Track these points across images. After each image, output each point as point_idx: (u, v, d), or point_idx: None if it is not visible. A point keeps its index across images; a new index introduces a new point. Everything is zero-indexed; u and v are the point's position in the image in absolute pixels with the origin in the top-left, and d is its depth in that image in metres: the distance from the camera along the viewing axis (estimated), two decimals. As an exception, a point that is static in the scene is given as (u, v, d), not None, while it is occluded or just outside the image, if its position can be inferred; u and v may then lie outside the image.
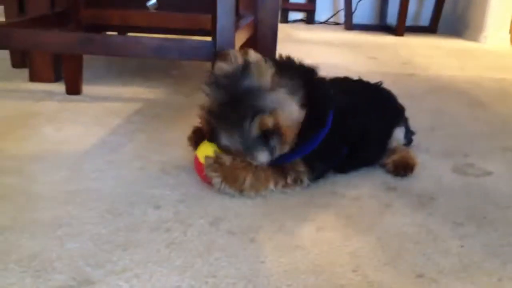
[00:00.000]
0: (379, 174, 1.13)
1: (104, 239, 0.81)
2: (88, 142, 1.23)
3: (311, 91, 0.94)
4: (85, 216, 0.88)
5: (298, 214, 0.93)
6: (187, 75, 2.03)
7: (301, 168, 0.99)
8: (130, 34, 2.15)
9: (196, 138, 1.04)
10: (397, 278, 0.75)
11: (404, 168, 1.11)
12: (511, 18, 3.42)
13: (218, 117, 0.93)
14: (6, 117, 1.38)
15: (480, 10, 3.49)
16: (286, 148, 0.94)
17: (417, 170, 1.13)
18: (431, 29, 3.89)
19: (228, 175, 0.95)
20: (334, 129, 0.99)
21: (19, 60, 1.93)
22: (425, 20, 3.98)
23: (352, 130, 1.05)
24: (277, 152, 0.94)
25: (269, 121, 0.89)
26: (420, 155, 1.21)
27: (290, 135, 0.92)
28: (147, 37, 1.24)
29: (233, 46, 1.21)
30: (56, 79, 1.76)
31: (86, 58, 1.77)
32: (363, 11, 3.99)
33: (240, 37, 1.40)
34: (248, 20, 1.62)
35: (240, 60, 0.92)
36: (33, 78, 1.76)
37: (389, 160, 1.14)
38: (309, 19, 4.08)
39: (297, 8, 4.10)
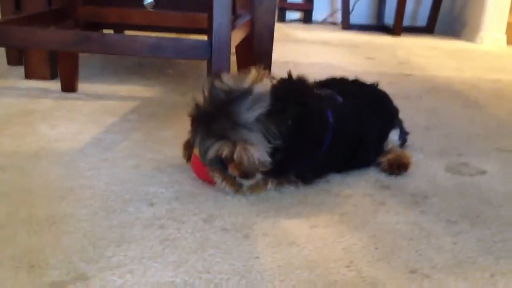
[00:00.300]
0: (373, 173, 1.14)
1: (98, 236, 0.81)
2: (83, 140, 1.23)
3: (308, 120, 0.96)
4: (80, 213, 0.88)
5: (292, 212, 0.93)
6: (183, 74, 2.03)
7: (292, 178, 1.02)
8: (127, 32, 2.16)
9: (189, 153, 1.06)
10: (390, 273, 0.75)
11: (398, 167, 1.11)
12: (507, 19, 3.44)
13: (196, 123, 0.94)
14: (1, 115, 1.38)
15: (476, 11, 3.51)
16: (254, 179, 0.95)
17: (411, 169, 1.14)
18: (428, 29, 3.90)
19: (229, 177, 0.96)
20: (331, 148, 1.02)
21: (15, 57, 1.93)
22: (422, 20, 3.99)
23: (348, 135, 1.06)
24: (243, 181, 0.95)
25: (225, 150, 0.90)
26: (414, 155, 1.21)
27: (244, 172, 0.92)
28: (144, 36, 1.25)
29: (229, 45, 1.21)
30: (52, 77, 1.76)
31: (82, 55, 1.78)
32: (361, 11, 4.00)
33: (237, 37, 1.41)
34: (244, 19, 1.62)
35: (246, 84, 0.91)
36: (29, 75, 1.76)
37: (384, 159, 1.14)
38: (307, 19, 4.09)
39: (295, 7, 4.11)
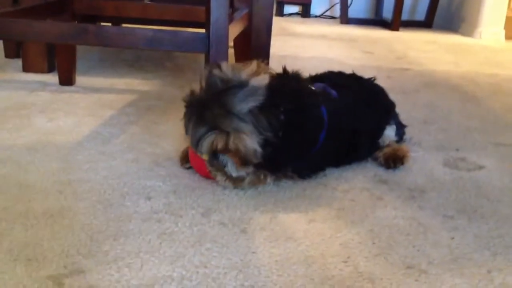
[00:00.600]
0: (370, 167, 1.14)
1: (96, 229, 0.81)
2: (80, 133, 1.22)
3: (302, 116, 0.96)
4: (77, 207, 0.88)
5: (290, 206, 0.93)
6: (181, 67, 2.02)
7: (290, 173, 1.02)
8: (124, 25, 2.15)
9: (187, 159, 1.06)
10: (387, 269, 0.75)
11: (394, 161, 1.12)
12: (506, 13, 3.43)
13: (190, 110, 0.94)
14: (-2, 108, 1.37)
15: (475, 6, 3.50)
16: (245, 169, 0.95)
17: (409, 163, 1.14)
18: (426, 23, 3.89)
19: (219, 166, 0.96)
20: (326, 143, 1.02)
21: (13, 50, 1.92)
22: (420, 14, 3.98)
23: (343, 130, 1.06)
24: (232, 169, 0.95)
25: (220, 143, 0.90)
26: (412, 149, 1.21)
27: (238, 161, 0.93)
28: (141, 28, 1.24)
29: (226, 38, 1.21)
30: (49, 70, 1.75)
31: (79, 49, 1.77)
32: (359, 5, 3.99)
33: (234, 30, 1.40)
34: (242, 12, 1.61)
35: (243, 76, 0.92)
36: (26, 68, 1.75)
37: (381, 153, 1.14)
38: (305, 13, 4.07)
39: (293, 1, 4.09)
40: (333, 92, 1.08)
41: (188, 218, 0.87)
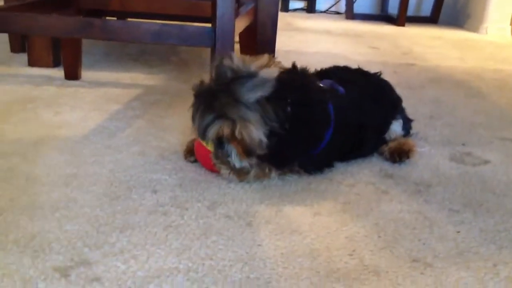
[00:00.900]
0: (376, 161, 1.13)
1: (102, 222, 0.81)
2: (86, 127, 1.23)
3: (311, 119, 0.97)
4: (83, 199, 0.88)
5: (295, 200, 0.94)
6: (186, 61, 2.02)
7: (296, 168, 1.02)
8: (129, 20, 2.15)
9: (191, 152, 1.06)
10: (393, 262, 0.75)
11: (399, 155, 1.11)
12: (512, 10, 3.41)
13: (198, 98, 0.94)
14: (5, 102, 1.38)
15: (481, 1, 3.48)
16: (248, 160, 0.96)
17: (415, 158, 1.14)
18: (432, 19, 3.88)
19: (223, 156, 0.96)
20: (333, 139, 1.01)
21: (18, 44, 1.93)
22: (426, 10, 3.96)
23: (349, 125, 1.06)
24: (236, 159, 0.96)
25: (225, 130, 0.90)
26: (418, 144, 1.21)
27: (241, 151, 0.93)
28: (147, 22, 1.24)
29: (232, 33, 1.21)
30: (55, 64, 1.76)
31: (85, 43, 1.77)
32: (364, 0, 3.97)
33: (240, 24, 1.40)
34: (248, 7, 1.61)
35: (253, 67, 0.92)
36: (32, 63, 1.75)
37: (386, 147, 1.14)
38: (310, 8, 4.06)
39: (298, -3, 4.08)
40: (340, 88, 1.08)
41: (194, 211, 0.87)
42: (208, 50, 1.25)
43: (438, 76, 2.05)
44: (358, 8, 3.88)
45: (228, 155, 0.96)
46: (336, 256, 0.76)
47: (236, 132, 0.90)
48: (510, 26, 3.42)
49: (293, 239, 0.80)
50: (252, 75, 0.91)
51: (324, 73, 1.16)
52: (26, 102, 1.38)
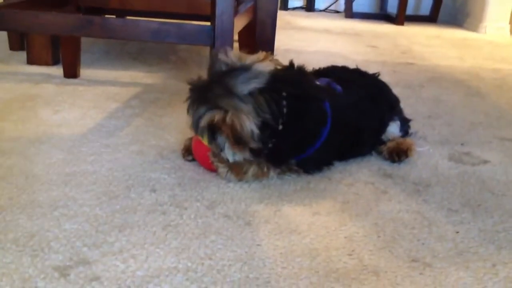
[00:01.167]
0: (375, 161, 1.14)
1: (101, 221, 0.81)
2: (85, 126, 1.22)
3: (306, 114, 0.97)
4: (82, 198, 0.88)
5: (294, 199, 0.94)
6: (185, 60, 2.02)
7: (294, 167, 1.02)
8: (128, 18, 2.14)
9: (189, 151, 1.06)
10: (392, 262, 0.75)
11: (398, 154, 1.11)
12: (511, 8, 3.41)
13: (193, 91, 0.95)
14: (4, 99, 1.37)
15: (480, 0, 3.48)
16: (241, 153, 0.96)
17: (414, 157, 1.14)
18: (431, 18, 3.87)
19: (233, 165, 0.97)
20: (330, 138, 1.01)
21: (17, 42, 1.92)
22: (425, 9, 3.96)
23: (347, 125, 1.06)
24: (229, 152, 0.96)
25: (217, 116, 0.91)
26: (417, 143, 1.21)
27: (233, 141, 0.93)
28: (146, 21, 1.24)
29: (231, 31, 1.20)
30: (54, 62, 1.75)
31: (84, 41, 1.77)
32: (363, 0, 3.97)
33: (239, 23, 1.40)
34: (247, 5, 1.61)
35: (248, 61, 0.93)
36: (31, 61, 1.75)
37: (385, 147, 1.14)
38: (309, 7, 4.06)
39: (297, -5, 4.07)
40: (338, 87, 1.08)
41: (193, 210, 0.87)
42: (207, 48, 1.25)
43: (437, 76, 2.05)
44: (357, 7, 3.88)
45: (221, 149, 0.96)
46: (335, 256, 0.76)
47: (227, 119, 0.90)
48: (509, 25, 3.42)
49: (292, 239, 0.80)
50: (246, 68, 0.92)
51: (322, 73, 1.16)
52: (25, 100, 1.38)
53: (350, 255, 0.77)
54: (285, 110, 0.93)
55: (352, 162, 1.12)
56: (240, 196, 0.93)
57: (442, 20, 3.86)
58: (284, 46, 2.39)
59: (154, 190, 0.93)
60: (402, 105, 1.23)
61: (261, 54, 0.97)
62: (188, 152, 1.06)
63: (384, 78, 1.23)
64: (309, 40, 2.72)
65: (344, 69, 1.21)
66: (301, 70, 1.02)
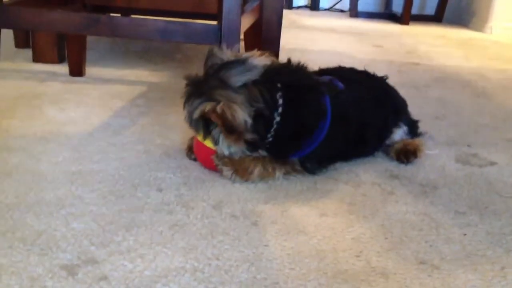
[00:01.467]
0: (381, 162, 1.13)
1: (108, 220, 0.81)
2: (91, 124, 1.22)
3: (302, 103, 0.97)
4: (89, 197, 0.88)
5: (301, 200, 0.93)
6: (191, 59, 2.02)
7: (298, 167, 1.02)
8: (134, 16, 2.14)
9: (192, 151, 1.06)
10: (400, 264, 0.75)
11: (405, 155, 1.11)
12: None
13: (189, 86, 0.96)
14: (10, 97, 1.37)
15: (486, 0, 3.47)
16: (236, 145, 0.95)
17: (421, 159, 1.13)
18: (436, 18, 3.86)
19: (238, 167, 0.97)
20: (331, 133, 1.01)
21: (23, 40, 1.92)
22: (430, 8, 3.95)
23: (349, 122, 1.05)
24: (224, 145, 0.96)
25: (208, 106, 0.91)
26: (427, 146, 1.19)
27: (225, 131, 0.93)
28: (153, 19, 1.23)
29: (238, 30, 1.20)
30: (60, 60, 1.75)
31: (89, 39, 1.77)
32: (368, -1, 3.96)
33: (245, 22, 1.39)
34: (253, 4, 1.60)
35: (243, 56, 0.96)
36: (36, 58, 1.75)
37: (393, 148, 1.14)
38: (314, 6, 4.05)
39: (302, -6, 4.06)
40: (340, 84, 1.07)
41: (200, 210, 0.87)
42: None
43: (443, 76, 2.04)
44: (362, 6, 3.87)
45: (216, 141, 0.96)
46: (343, 257, 0.76)
47: (217, 109, 0.90)
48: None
49: (299, 240, 0.80)
50: (241, 61, 0.94)
51: (328, 72, 1.15)
52: (31, 98, 1.38)
53: (357, 256, 0.77)
54: (280, 100, 0.94)
55: (358, 163, 1.11)
56: (246, 196, 0.93)
57: (448, 20, 3.85)
58: (288, 45, 2.38)
59: (160, 190, 0.93)
60: (409, 105, 1.23)
61: (256, 51, 0.99)
62: (191, 152, 1.06)
63: (389, 78, 1.22)
64: (314, 39, 2.72)
65: (351, 70, 1.21)
66: (298, 64, 1.02)
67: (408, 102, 1.23)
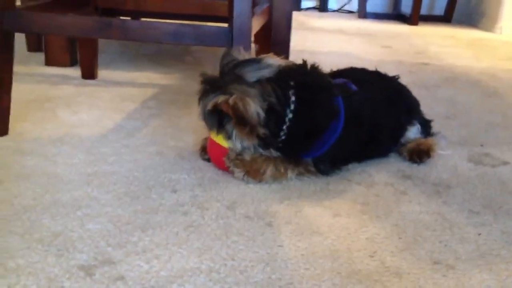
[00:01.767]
0: (394, 162, 1.13)
1: (124, 221, 0.82)
2: (104, 126, 1.24)
3: (315, 103, 0.98)
4: (104, 198, 0.89)
5: (314, 200, 0.94)
6: (200, 61, 2.03)
7: (311, 168, 1.02)
8: (143, 19, 2.16)
9: (206, 151, 1.07)
10: (414, 264, 0.75)
11: (418, 155, 1.11)
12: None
13: (204, 83, 0.98)
14: (24, 101, 1.39)
15: (495, 0, 3.45)
16: (249, 139, 0.96)
17: (433, 159, 1.13)
18: (445, 18, 3.85)
19: (250, 168, 0.97)
20: (344, 134, 1.01)
21: (35, 44, 1.95)
22: (439, 9, 3.93)
23: (363, 123, 1.06)
24: (237, 139, 0.97)
25: (221, 98, 0.92)
26: (440, 146, 1.19)
27: (237, 123, 0.93)
28: (164, 22, 1.24)
29: (249, 32, 1.20)
30: (72, 64, 1.77)
31: (100, 43, 1.78)
32: (377, 0, 3.95)
33: (256, 24, 1.40)
34: (263, 6, 1.61)
35: (259, 55, 0.98)
36: (48, 62, 1.77)
37: (405, 148, 1.14)
38: (322, 7, 4.05)
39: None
40: (353, 86, 1.08)
41: (214, 211, 0.87)
42: (222, 49, 1.25)
43: (453, 76, 2.04)
44: (370, 7, 3.87)
45: (229, 136, 0.97)
46: (357, 257, 0.76)
47: (231, 100, 0.91)
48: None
49: (313, 240, 0.80)
50: (256, 60, 0.97)
51: (340, 74, 1.15)
52: (44, 101, 1.40)
53: (371, 256, 0.77)
54: (293, 98, 0.96)
55: (371, 163, 1.11)
56: (260, 197, 0.93)
57: (457, 20, 3.84)
58: (298, 47, 2.39)
59: (174, 191, 0.93)
60: (420, 106, 1.23)
61: (272, 54, 1.01)
62: (205, 152, 1.07)
63: (401, 78, 1.22)
64: (323, 41, 2.72)
65: (363, 70, 1.21)
66: (313, 66, 1.03)
67: (420, 102, 1.23)
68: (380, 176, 1.05)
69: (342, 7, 4.10)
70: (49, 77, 1.65)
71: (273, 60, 0.98)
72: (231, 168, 0.99)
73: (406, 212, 0.91)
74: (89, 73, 1.64)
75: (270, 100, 0.93)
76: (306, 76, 1.00)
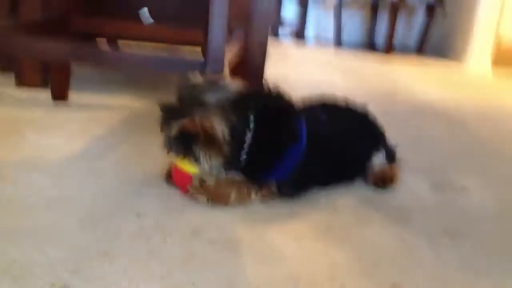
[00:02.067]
0: (359, 187, 1.15)
1: (83, 246, 0.81)
2: (72, 150, 1.23)
3: (273, 124, 0.99)
4: (65, 223, 0.88)
5: (278, 224, 0.94)
6: (174, 85, 2.03)
7: (275, 191, 1.03)
8: (121, 42, 2.17)
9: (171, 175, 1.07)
10: (373, 287, 0.76)
11: (383, 181, 1.13)
12: (494, 44, 3.49)
13: (164, 112, 1.00)
14: (-9, 123, 1.38)
15: (464, 36, 3.57)
16: (218, 158, 0.97)
17: (397, 185, 1.16)
18: (418, 50, 3.96)
19: (213, 194, 0.98)
20: (308, 159, 1.03)
21: (5, 64, 1.92)
22: (412, 41, 4.05)
23: (327, 149, 1.08)
24: (205, 160, 0.97)
25: (186, 121, 0.94)
26: (402, 173, 1.22)
27: (205, 141, 0.95)
28: (140, 52, 1.26)
29: (223, 64, 1.22)
30: (43, 84, 1.75)
31: (74, 64, 1.78)
32: (353, 29, 4.06)
33: (231, 51, 1.42)
34: (238, 33, 1.63)
35: (216, 78, 1.01)
36: (19, 82, 1.74)
37: (371, 174, 1.16)
38: (299, 34, 4.13)
39: (287, 23, 4.15)
40: (320, 112, 1.10)
41: (177, 236, 0.87)
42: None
43: (421, 107, 2.09)
44: (346, 36, 3.96)
45: (197, 157, 0.97)
46: (318, 281, 0.77)
47: (197, 119, 0.93)
48: (491, 61, 3.50)
49: (276, 265, 0.81)
50: (214, 83, 0.98)
51: (309, 101, 1.18)
52: (12, 123, 1.38)
53: (332, 280, 0.78)
54: (252, 119, 0.97)
55: (336, 188, 1.13)
56: (225, 222, 0.94)
57: (429, 53, 3.95)
58: (272, 74, 2.42)
59: (138, 216, 0.93)
60: (387, 134, 1.26)
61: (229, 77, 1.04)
62: (170, 177, 1.07)
63: (368, 107, 1.25)
64: (297, 69, 2.77)
65: (331, 98, 1.23)
66: (274, 88, 1.04)
67: (386, 131, 1.26)
68: (344, 201, 1.07)
69: (318, 35, 4.19)
70: (19, 98, 1.63)
71: (229, 82, 1.00)
72: (194, 195, 0.99)
73: (367, 237, 0.92)
74: (60, 95, 1.63)
75: (231, 120, 0.94)
76: (266, 98, 1.01)
